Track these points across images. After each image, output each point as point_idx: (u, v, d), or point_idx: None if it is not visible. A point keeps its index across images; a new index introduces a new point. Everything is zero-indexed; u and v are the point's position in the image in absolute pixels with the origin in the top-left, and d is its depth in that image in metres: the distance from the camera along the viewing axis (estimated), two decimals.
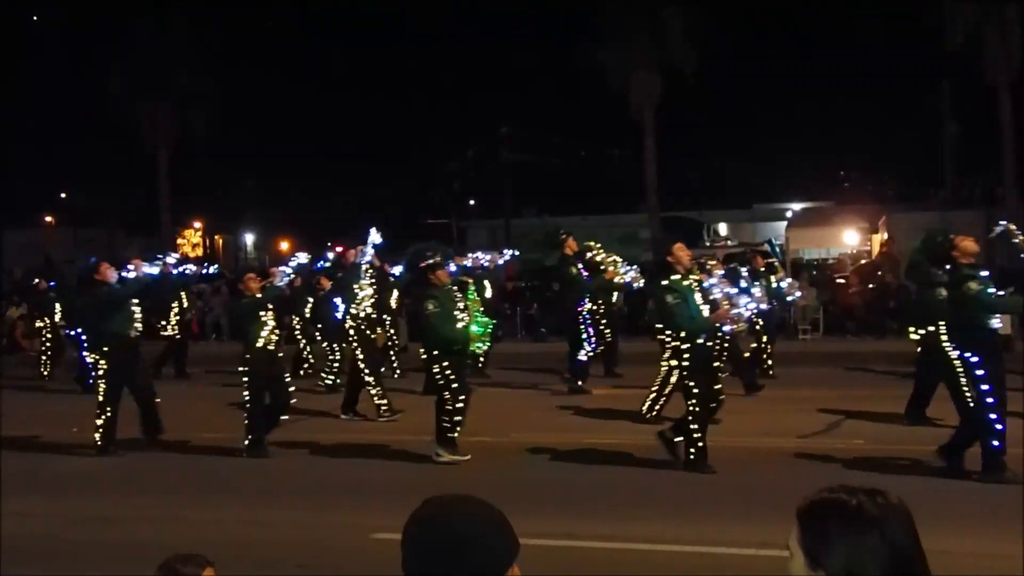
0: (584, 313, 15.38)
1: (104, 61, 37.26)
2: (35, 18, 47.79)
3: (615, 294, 16.42)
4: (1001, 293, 9.57)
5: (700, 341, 9.96)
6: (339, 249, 15.26)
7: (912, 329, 12.57)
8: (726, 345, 12.38)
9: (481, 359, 16.76)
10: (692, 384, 9.92)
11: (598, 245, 15.74)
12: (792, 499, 2.16)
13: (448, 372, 10.68)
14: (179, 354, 19.27)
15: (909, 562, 2.03)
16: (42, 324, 20.05)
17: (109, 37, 37.90)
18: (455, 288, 11.24)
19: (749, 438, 11.40)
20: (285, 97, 51.18)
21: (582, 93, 43.82)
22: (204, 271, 15.35)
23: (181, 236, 51.63)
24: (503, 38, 53.36)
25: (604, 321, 15.93)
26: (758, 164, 48.13)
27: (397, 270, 14.56)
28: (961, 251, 9.49)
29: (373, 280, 13.99)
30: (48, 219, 51.06)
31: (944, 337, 10.98)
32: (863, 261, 29.99)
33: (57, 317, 19.36)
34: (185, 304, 19.31)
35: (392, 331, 17.16)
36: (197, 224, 55.50)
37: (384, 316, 15.67)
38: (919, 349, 12.24)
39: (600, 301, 15.73)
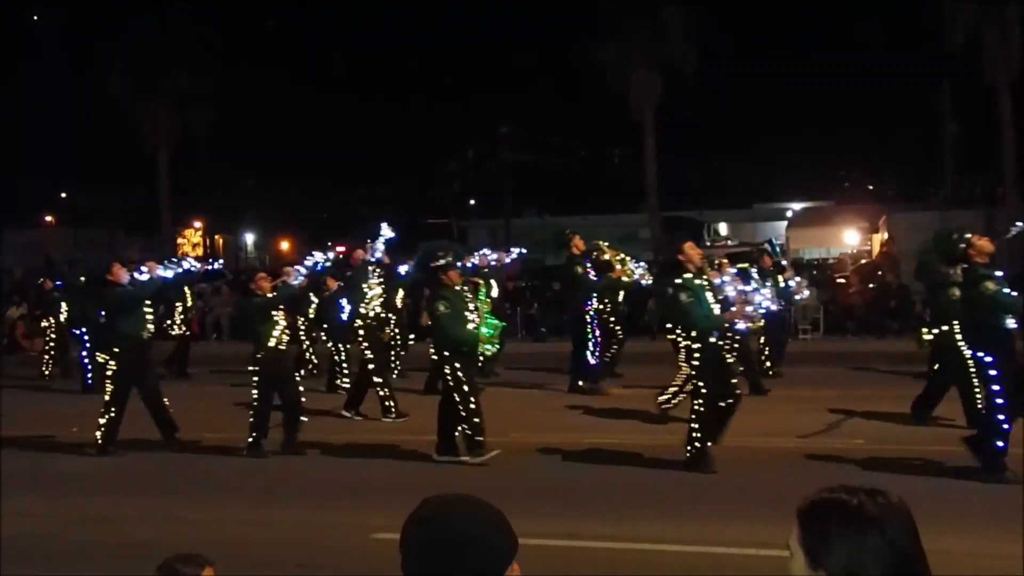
0: (590, 313, 15.24)
1: (104, 61, 37.26)
2: (35, 18, 47.80)
3: (621, 293, 16.29)
4: (1015, 294, 9.54)
5: (712, 340, 9.94)
6: (340, 249, 15.24)
7: (924, 330, 12.57)
8: (736, 344, 12.28)
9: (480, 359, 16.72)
10: (701, 384, 9.88)
11: (606, 244, 15.68)
12: (792, 499, 2.16)
13: (459, 374, 10.55)
14: (181, 354, 19.28)
15: (909, 562, 2.02)
16: (47, 324, 20.03)
17: (109, 37, 37.90)
18: (466, 289, 11.12)
19: (749, 438, 11.38)
20: (285, 97, 51.23)
21: (582, 93, 43.90)
22: (209, 267, 15.27)
23: (181, 236, 51.63)
24: (503, 38, 53.47)
25: (613, 319, 15.82)
26: (758, 164, 48.19)
27: (403, 269, 14.54)
28: (977, 250, 9.47)
29: (381, 279, 13.97)
30: (48, 219, 51.08)
31: (959, 337, 11.00)
32: (863, 261, 30.00)
33: (62, 317, 19.34)
34: (189, 303, 19.30)
35: (396, 330, 17.13)
36: (197, 224, 55.48)
37: (390, 315, 15.65)
38: (931, 349, 12.24)
39: (607, 300, 15.62)
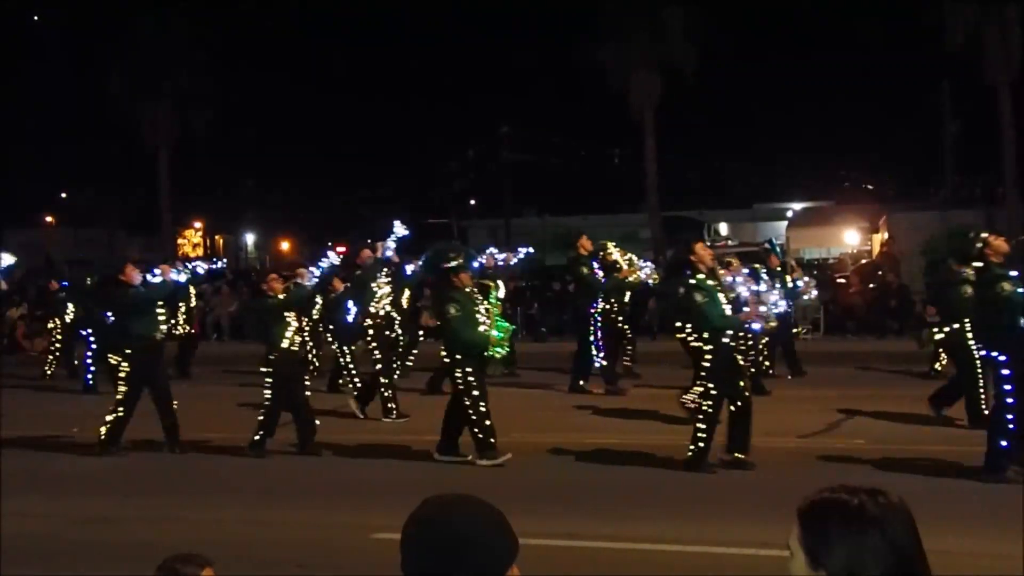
0: (595, 314, 15.15)
1: (104, 61, 37.28)
2: (35, 18, 47.81)
3: (627, 293, 16.18)
4: None
5: (725, 341, 9.93)
6: (341, 249, 15.21)
7: (935, 329, 12.56)
8: (750, 344, 12.21)
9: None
10: (711, 386, 9.85)
11: (613, 244, 15.60)
12: (792, 499, 2.16)
13: (470, 377, 10.49)
14: (186, 354, 19.26)
15: (910, 562, 2.02)
16: (52, 325, 20.01)
17: (109, 37, 37.94)
18: (476, 291, 11.02)
19: None
20: (285, 97, 51.25)
21: (582, 93, 43.90)
22: (212, 266, 15.26)
23: (181, 236, 51.66)
24: (503, 38, 53.48)
25: (620, 319, 15.76)
26: (758, 164, 48.20)
27: (409, 268, 14.51)
28: (993, 250, 9.46)
29: (390, 278, 13.94)
30: (48, 219, 51.09)
31: (969, 335, 10.99)
32: (863, 261, 29.99)
33: (68, 318, 19.31)
34: (193, 303, 19.28)
35: (399, 331, 17.07)
36: (197, 224, 55.52)
37: (395, 315, 15.59)
38: (934, 348, 12.25)
39: (613, 300, 15.54)
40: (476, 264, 13.67)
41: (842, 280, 26.12)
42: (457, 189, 51.28)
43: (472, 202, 55.91)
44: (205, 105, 36.84)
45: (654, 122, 34.42)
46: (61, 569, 7.60)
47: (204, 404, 15.02)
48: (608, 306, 15.30)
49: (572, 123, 45.65)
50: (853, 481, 2.13)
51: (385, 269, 13.79)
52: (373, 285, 13.67)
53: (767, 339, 15.71)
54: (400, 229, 13.62)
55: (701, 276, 9.99)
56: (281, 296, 11.59)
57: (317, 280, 12.22)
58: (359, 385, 15.36)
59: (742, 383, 10.14)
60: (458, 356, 10.54)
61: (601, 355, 15.21)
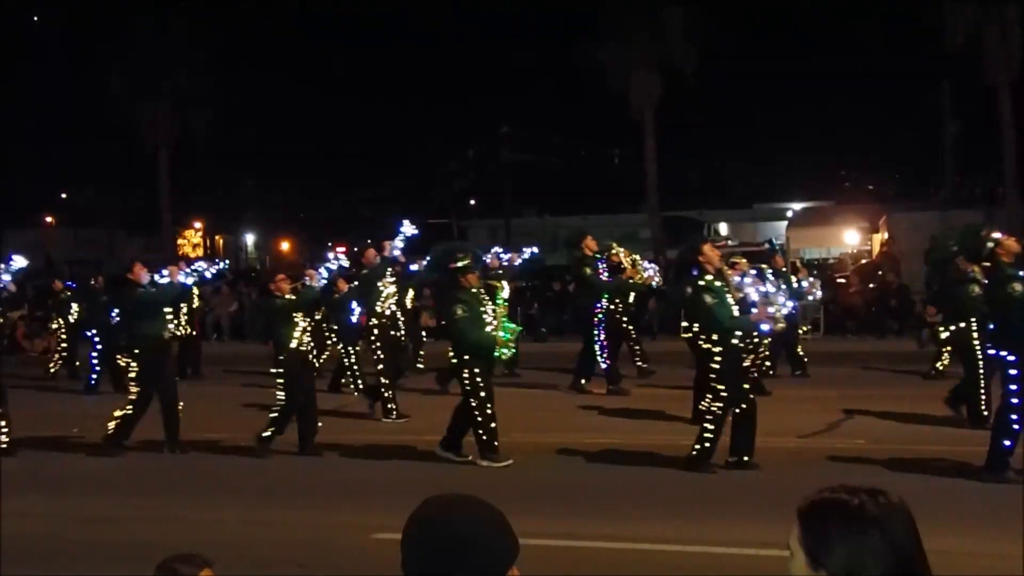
0: (599, 315, 15.10)
1: (104, 61, 37.29)
2: (35, 18, 47.81)
3: (632, 294, 16.13)
4: None
5: (734, 342, 9.90)
6: (340, 249, 15.21)
7: (941, 328, 12.55)
8: (759, 346, 12.12)
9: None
10: (722, 387, 9.79)
11: (618, 244, 15.54)
12: (792, 499, 2.16)
13: (477, 379, 10.46)
14: (183, 354, 19.24)
15: (910, 562, 2.03)
16: (56, 325, 19.98)
17: (109, 37, 37.94)
18: (483, 291, 10.95)
19: None
20: (285, 97, 51.28)
21: (582, 93, 43.92)
22: (219, 270, 15.23)
23: (181, 236, 51.65)
24: (503, 38, 53.52)
25: (625, 319, 15.71)
26: (758, 164, 48.21)
27: (413, 267, 14.49)
28: (1005, 250, 9.46)
29: (394, 278, 13.93)
30: (48, 219, 51.09)
31: (975, 334, 10.98)
32: (863, 261, 29.99)
33: (72, 318, 19.29)
34: (195, 304, 19.26)
35: (403, 331, 17.03)
36: (197, 224, 55.52)
37: (401, 315, 15.58)
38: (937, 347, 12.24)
39: (618, 301, 15.49)
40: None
41: (842, 280, 26.13)
42: (457, 189, 51.30)
43: (472, 202, 55.93)
44: (205, 105, 36.84)
45: (654, 122, 34.42)
46: (61, 569, 7.60)
47: (204, 404, 15.00)
48: (612, 307, 15.25)
49: (572, 123, 45.72)
50: (853, 481, 2.13)
51: (391, 269, 13.78)
52: (379, 284, 13.66)
53: (770, 340, 15.73)
54: (409, 228, 13.63)
55: (710, 277, 9.97)
56: (289, 297, 11.59)
57: (326, 281, 12.22)
58: (361, 385, 15.37)
59: (746, 386, 10.13)
60: (465, 357, 10.53)
61: (605, 356, 15.18)
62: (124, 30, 36.98)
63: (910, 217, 29.94)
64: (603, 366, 15.19)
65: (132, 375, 11.77)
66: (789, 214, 41.99)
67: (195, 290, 17.97)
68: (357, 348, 15.13)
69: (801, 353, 16.64)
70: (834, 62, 44.31)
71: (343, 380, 15.68)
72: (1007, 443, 9.06)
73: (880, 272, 25.69)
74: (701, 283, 9.96)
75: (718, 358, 9.82)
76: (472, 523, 2.12)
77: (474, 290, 10.71)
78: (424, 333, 18.46)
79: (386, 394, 13.54)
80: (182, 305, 18.13)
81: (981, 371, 11.43)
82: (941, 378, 14.60)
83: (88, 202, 48.96)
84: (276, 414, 11.42)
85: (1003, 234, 9.70)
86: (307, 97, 53.31)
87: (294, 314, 11.48)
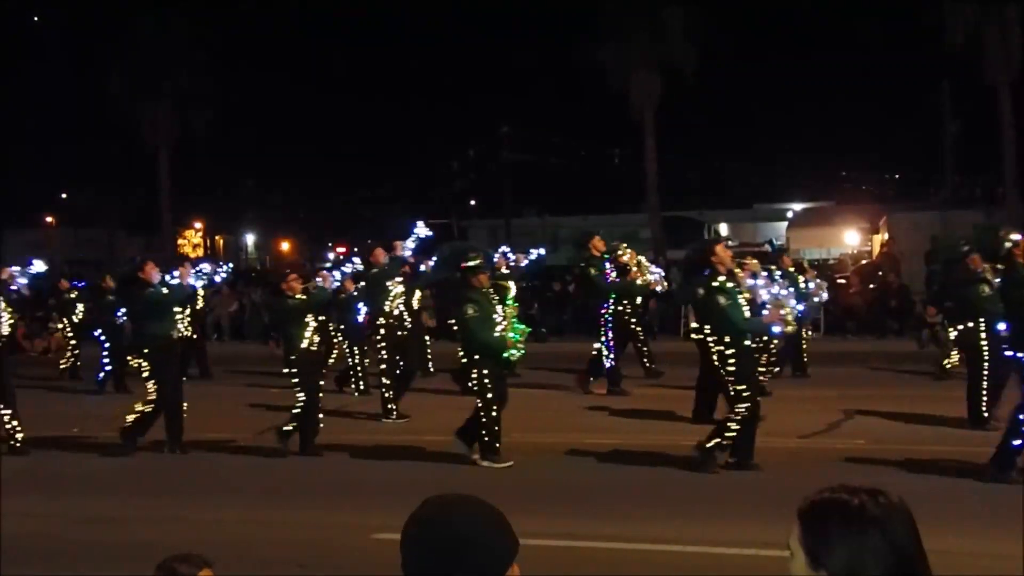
0: (607, 316, 15.05)
1: (104, 61, 37.28)
2: (35, 18, 47.82)
3: (639, 297, 16.02)
4: None
5: (746, 343, 9.86)
6: (340, 249, 15.22)
7: (949, 327, 12.53)
8: (769, 347, 12.07)
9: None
10: (742, 388, 9.74)
11: (625, 245, 15.51)
12: (793, 499, 2.16)
13: (486, 380, 10.46)
14: (184, 356, 19.20)
15: (910, 562, 2.03)
16: (62, 325, 19.93)
17: (109, 37, 37.94)
18: (493, 292, 10.91)
19: None
20: (285, 97, 51.26)
21: (582, 93, 43.90)
22: (222, 270, 15.23)
23: (181, 236, 51.64)
24: (503, 38, 53.50)
25: (634, 320, 15.69)
26: (758, 164, 48.18)
27: (421, 267, 14.48)
28: (1022, 251, 9.46)
29: (401, 278, 13.93)
30: (49, 219, 51.08)
31: (983, 335, 10.97)
32: (864, 261, 29.99)
33: (76, 318, 19.26)
34: (199, 305, 19.24)
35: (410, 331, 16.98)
36: (198, 224, 55.51)
37: (408, 316, 15.57)
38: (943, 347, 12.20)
39: (626, 302, 15.42)
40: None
41: (842, 280, 26.12)
42: (457, 189, 51.29)
43: (472, 202, 55.92)
44: (205, 105, 36.84)
45: (654, 122, 34.42)
46: (61, 569, 7.60)
47: (204, 404, 15.00)
48: (621, 307, 15.21)
49: (572, 123, 45.68)
50: (853, 481, 2.13)
51: (401, 269, 13.79)
52: (388, 284, 13.65)
53: (778, 341, 15.68)
54: (422, 230, 13.64)
55: (723, 278, 9.94)
56: (300, 297, 11.58)
57: (338, 284, 12.24)
58: (363, 386, 15.38)
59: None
60: (476, 357, 10.53)
61: (611, 356, 15.15)
62: (124, 30, 36.99)
63: (910, 217, 29.96)
64: (607, 366, 15.17)
65: (145, 374, 11.72)
66: (789, 214, 42.03)
67: (200, 292, 17.99)
68: (363, 348, 15.13)
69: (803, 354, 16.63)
70: (834, 62, 44.33)
71: (350, 380, 15.64)
72: (1016, 443, 9.04)
73: (880, 272, 25.67)
74: (715, 284, 9.93)
75: (732, 360, 9.77)
76: (472, 523, 2.12)
77: (485, 290, 10.70)
78: (427, 336, 18.44)
79: (385, 392, 13.53)
80: (187, 306, 18.14)
81: (985, 372, 11.41)
82: (948, 377, 14.59)
83: (88, 202, 48.93)
84: (297, 411, 11.37)
85: (1022, 236, 9.69)
86: (307, 97, 53.34)
87: (305, 315, 11.48)
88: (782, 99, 49.39)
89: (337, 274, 12.25)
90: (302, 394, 11.34)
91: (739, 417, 9.73)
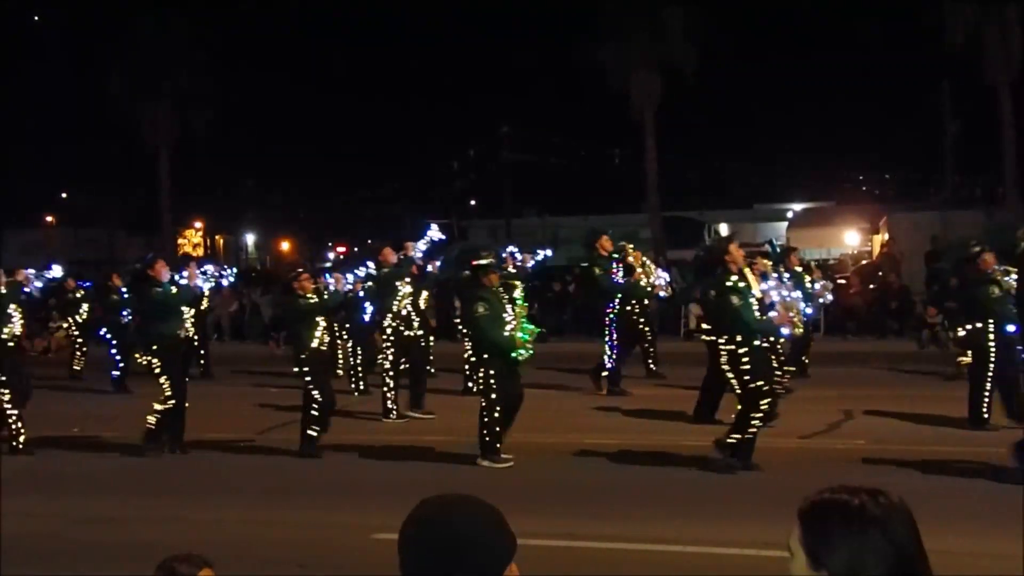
0: (611, 316, 15.01)
1: (104, 61, 37.27)
2: (35, 18, 47.81)
3: (645, 298, 15.96)
4: None
5: (756, 343, 9.86)
6: (340, 250, 15.22)
7: (957, 327, 12.51)
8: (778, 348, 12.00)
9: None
10: (761, 384, 9.75)
11: (631, 247, 15.46)
12: (793, 499, 2.15)
13: (491, 380, 10.45)
14: (187, 355, 19.17)
15: (911, 562, 2.02)
16: (67, 324, 19.92)
17: (109, 37, 37.93)
18: (503, 291, 10.88)
19: None
20: (285, 97, 51.25)
21: (582, 93, 43.89)
22: (229, 274, 15.22)
23: (182, 236, 51.61)
24: (503, 38, 53.49)
25: (642, 320, 15.64)
26: (758, 164, 48.17)
27: (429, 267, 14.47)
28: None
29: (410, 279, 13.93)
30: (49, 219, 51.07)
31: (991, 335, 10.96)
32: (864, 262, 29.98)
33: (80, 318, 19.23)
34: (204, 306, 19.22)
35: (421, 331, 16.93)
36: (198, 224, 55.48)
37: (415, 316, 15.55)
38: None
39: (635, 303, 15.30)
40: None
41: (842, 281, 26.11)
42: (457, 189, 51.28)
43: (472, 202, 55.91)
44: (205, 105, 36.82)
45: (654, 122, 34.41)
46: (61, 569, 7.60)
47: (204, 404, 15.00)
48: (629, 307, 15.16)
49: (572, 123, 45.65)
50: (853, 481, 2.13)
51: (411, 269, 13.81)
52: (397, 284, 13.64)
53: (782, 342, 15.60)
54: (435, 233, 13.63)
55: (735, 278, 9.94)
56: (312, 298, 11.56)
57: (350, 286, 12.24)
58: (363, 387, 15.36)
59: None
60: (484, 356, 10.51)
61: (612, 357, 15.14)
62: (124, 30, 36.98)
63: (910, 217, 29.95)
64: (608, 366, 15.16)
65: (156, 371, 11.69)
66: (789, 215, 42.01)
67: (206, 293, 17.98)
68: (368, 348, 15.12)
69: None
70: (834, 62, 44.33)
71: (352, 383, 15.61)
72: None
73: (880, 273, 25.66)
74: (728, 283, 9.92)
75: (746, 359, 9.77)
76: (470, 523, 2.12)
77: (495, 289, 10.69)
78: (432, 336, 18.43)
79: (388, 394, 13.53)
80: (193, 307, 18.12)
81: (990, 373, 11.40)
82: (961, 378, 14.54)
83: (88, 202, 48.92)
84: (316, 412, 11.34)
85: None
86: (307, 97, 53.33)
87: (317, 316, 11.47)
88: (782, 99, 49.44)
89: (350, 276, 12.24)
90: (316, 392, 11.30)
91: (760, 414, 9.72)
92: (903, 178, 47.16)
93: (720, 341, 10.10)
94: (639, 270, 15.09)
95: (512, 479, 9.84)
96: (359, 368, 15.64)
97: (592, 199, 48.29)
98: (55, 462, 11.64)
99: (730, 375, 9.93)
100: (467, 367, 14.95)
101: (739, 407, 10.00)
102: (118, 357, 17.29)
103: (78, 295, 19.50)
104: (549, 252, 17.68)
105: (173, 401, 11.55)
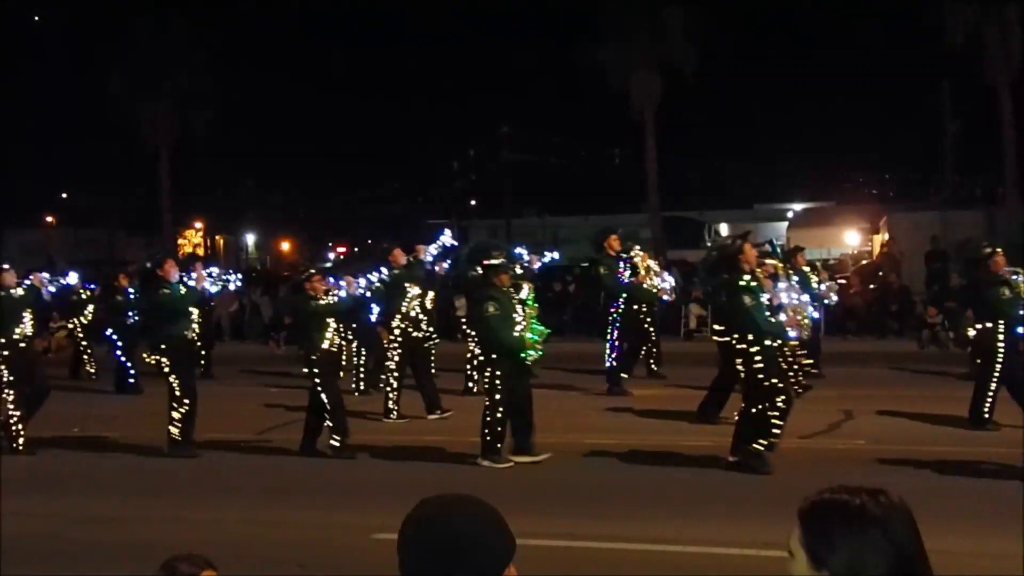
0: (615, 316, 15.00)
1: (104, 61, 37.26)
2: (35, 18, 47.81)
3: (653, 303, 15.92)
4: None
5: (767, 343, 9.85)
6: (340, 250, 15.22)
7: (969, 328, 12.50)
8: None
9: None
10: (776, 381, 9.77)
11: (638, 247, 15.41)
12: (793, 499, 2.15)
13: (496, 380, 10.43)
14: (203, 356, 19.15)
15: (912, 561, 2.02)
16: (72, 326, 19.90)
17: (109, 37, 37.92)
18: (513, 291, 10.86)
19: None
20: (285, 97, 51.27)
21: (582, 93, 43.89)
22: (231, 277, 15.14)
23: (182, 236, 51.62)
24: (503, 38, 53.50)
25: (648, 320, 15.61)
26: (759, 164, 48.16)
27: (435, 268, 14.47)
28: None
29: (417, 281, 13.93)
30: (49, 219, 51.07)
31: (1000, 336, 10.97)
32: (864, 261, 29.98)
33: (85, 319, 19.21)
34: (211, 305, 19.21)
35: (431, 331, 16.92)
36: (198, 224, 55.49)
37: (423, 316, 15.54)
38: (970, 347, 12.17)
39: (643, 303, 15.22)
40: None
41: (842, 281, 26.10)
42: (457, 189, 51.28)
43: (472, 202, 55.92)
44: (205, 105, 36.82)
45: (654, 122, 34.41)
46: (61, 569, 7.60)
47: (205, 404, 14.98)
48: (635, 308, 15.12)
49: (572, 123, 45.66)
50: (853, 481, 2.13)
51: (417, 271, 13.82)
52: (407, 285, 13.63)
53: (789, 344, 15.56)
54: (448, 239, 13.61)
55: (748, 277, 9.93)
56: (324, 300, 11.54)
57: (361, 290, 12.24)
58: (363, 387, 15.35)
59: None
60: (493, 356, 10.50)
61: (613, 356, 15.12)
62: (124, 30, 36.97)
63: (910, 217, 29.95)
64: (606, 364, 15.17)
65: (166, 370, 11.67)
66: (789, 215, 42.02)
67: (214, 301, 17.97)
68: (372, 348, 15.10)
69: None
70: (834, 62, 44.33)
71: (354, 383, 15.59)
72: None
73: (880, 273, 25.67)
74: (741, 283, 9.91)
75: (758, 358, 9.76)
76: (469, 523, 2.12)
77: (505, 289, 10.67)
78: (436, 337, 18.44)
79: (391, 394, 13.52)
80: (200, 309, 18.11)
81: (996, 374, 11.39)
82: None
83: (89, 202, 48.92)
84: (329, 419, 11.27)
85: None
86: (307, 97, 53.35)
87: (328, 317, 11.45)
88: (782, 99, 49.44)
89: (362, 280, 12.24)
90: (325, 396, 11.27)
91: (777, 412, 9.71)
92: (903, 178, 47.16)
93: (733, 341, 10.06)
94: (642, 272, 15.05)
95: (512, 479, 9.84)
96: (362, 368, 15.63)
97: (592, 199, 48.31)
98: (55, 462, 11.65)
99: (745, 375, 9.92)
100: (468, 367, 14.99)
101: (743, 405, 10.02)
102: (123, 358, 17.29)
103: (83, 296, 19.48)
104: (556, 255, 17.65)
105: (188, 403, 11.53)
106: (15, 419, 11.86)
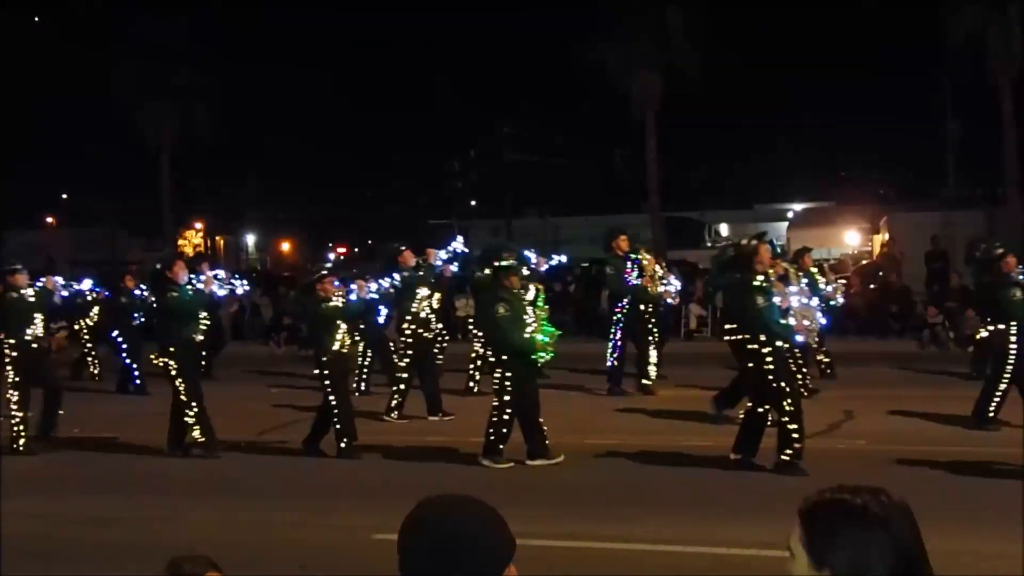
0: (619, 316, 14.97)
1: (104, 61, 37.24)
2: (35, 18, 47.79)
3: (660, 304, 15.88)
4: None
5: (779, 344, 9.83)
6: (341, 250, 15.24)
7: (980, 329, 12.48)
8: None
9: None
10: (784, 384, 9.75)
11: (646, 250, 15.33)
12: (793, 499, 2.15)
13: (506, 382, 10.41)
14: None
15: (913, 561, 2.02)
16: (78, 327, 19.88)
17: (109, 37, 37.90)
18: (524, 292, 10.82)
19: None
20: (285, 98, 51.24)
21: (583, 93, 43.85)
22: (240, 282, 15.11)
23: (182, 237, 51.63)
24: (504, 38, 53.45)
25: (653, 321, 15.55)
26: (759, 164, 48.17)
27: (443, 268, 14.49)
28: None
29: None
30: (49, 220, 51.07)
31: (1013, 338, 10.97)
32: (864, 262, 29.97)
33: (91, 321, 19.20)
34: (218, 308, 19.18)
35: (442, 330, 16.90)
36: (198, 225, 55.49)
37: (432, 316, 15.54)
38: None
39: (649, 305, 15.18)
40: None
41: (843, 281, 26.09)
42: (457, 189, 51.30)
43: (472, 202, 55.92)
44: (206, 106, 36.82)
45: (655, 122, 34.40)
46: (61, 569, 7.60)
47: (205, 404, 15.03)
48: (641, 308, 15.05)
49: (573, 123, 45.67)
50: (853, 481, 2.13)
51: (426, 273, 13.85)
52: (416, 288, 13.62)
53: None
54: (459, 245, 13.61)
55: (761, 278, 9.91)
56: (335, 303, 11.52)
57: (372, 294, 12.25)
58: (364, 387, 15.35)
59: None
60: (504, 357, 10.49)
61: (615, 356, 15.11)
62: (124, 30, 36.97)
63: (911, 217, 29.95)
64: (608, 364, 15.15)
65: (174, 374, 11.65)
66: (790, 215, 42.04)
67: (223, 305, 17.96)
68: (377, 350, 15.10)
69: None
70: (834, 62, 44.31)
71: (354, 384, 15.59)
72: None
73: (881, 273, 25.67)
74: (755, 284, 9.89)
75: (769, 359, 9.74)
76: (469, 523, 2.11)
77: (516, 291, 10.65)
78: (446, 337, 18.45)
79: (394, 394, 13.52)
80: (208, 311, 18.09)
81: (1006, 376, 11.37)
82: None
83: (89, 203, 48.94)
84: (337, 423, 11.25)
85: None
86: (308, 98, 53.32)
87: (339, 319, 11.45)
88: (782, 99, 49.41)
89: (373, 285, 12.25)
90: (333, 399, 11.25)
91: (791, 414, 9.68)
92: (903, 178, 47.19)
93: (745, 339, 10.03)
94: (647, 276, 15.00)
95: (512, 479, 9.84)
96: (365, 368, 15.65)
97: (593, 200, 48.32)
98: (56, 462, 11.66)
99: (753, 374, 9.90)
100: (471, 367, 14.98)
101: (749, 405, 10.02)
102: (128, 360, 17.28)
103: (88, 298, 19.48)
104: (564, 258, 17.62)
105: (195, 403, 11.52)
106: (16, 420, 11.86)
